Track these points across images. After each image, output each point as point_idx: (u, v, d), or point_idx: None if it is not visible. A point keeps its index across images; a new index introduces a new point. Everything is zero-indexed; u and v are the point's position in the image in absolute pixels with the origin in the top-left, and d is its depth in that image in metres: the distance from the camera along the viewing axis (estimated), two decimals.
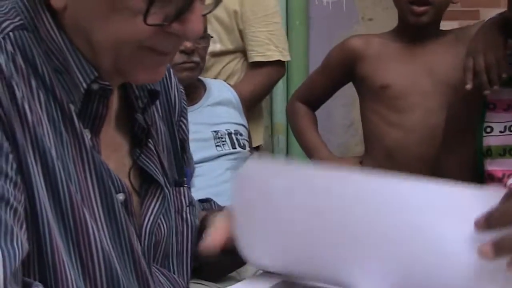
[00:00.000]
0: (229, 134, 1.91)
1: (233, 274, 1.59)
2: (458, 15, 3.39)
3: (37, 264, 0.67)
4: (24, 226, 0.64)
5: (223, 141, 1.87)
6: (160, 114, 0.89)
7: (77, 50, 0.71)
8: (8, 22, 0.70)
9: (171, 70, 0.95)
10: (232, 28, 2.15)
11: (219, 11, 2.11)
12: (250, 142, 2.03)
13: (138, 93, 0.81)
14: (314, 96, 1.81)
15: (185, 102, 0.96)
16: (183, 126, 0.95)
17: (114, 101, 0.80)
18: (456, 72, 1.48)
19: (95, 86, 0.72)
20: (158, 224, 0.81)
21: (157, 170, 0.83)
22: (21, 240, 0.61)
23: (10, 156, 0.64)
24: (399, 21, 1.64)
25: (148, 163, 0.82)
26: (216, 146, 1.85)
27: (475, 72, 1.24)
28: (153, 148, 0.84)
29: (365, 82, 1.66)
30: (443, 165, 1.38)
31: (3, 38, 0.68)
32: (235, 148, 1.89)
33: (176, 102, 0.93)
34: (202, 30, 0.72)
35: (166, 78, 0.92)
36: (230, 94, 2.01)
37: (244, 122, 2.02)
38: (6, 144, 0.63)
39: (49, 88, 0.70)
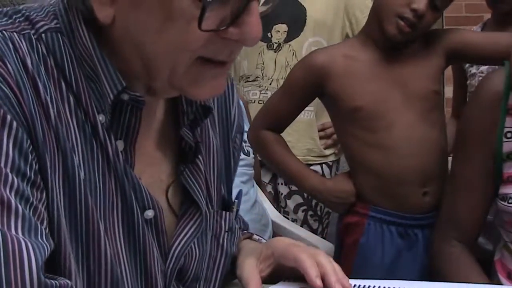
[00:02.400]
0: None
1: (237, 280, 1.58)
2: (462, 21, 3.39)
3: (47, 266, 0.63)
4: (45, 224, 0.62)
5: None
6: (217, 130, 0.85)
7: (107, 59, 0.68)
8: (42, 23, 0.68)
9: (234, 86, 0.91)
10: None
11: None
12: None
13: (186, 108, 0.77)
14: (280, 121, 1.61)
15: (243, 119, 0.92)
16: (238, 143, 0.91)
17: (159, 112, 0.77)
18: (426, 82, 1.46)
19: (125, 97, 0.69)
20: (191, 247, 0.78)
21: (199, 190, 0.79)
22: (45, 235, 0.60)
23: (30, 157, 0.62)
24: (370, 27, 1.49)
25: (192, 181, 0.78)
26: None
27: None
28: (201, 166, 0.79)
29: (335, 104, 1.51)
30: (460, 173, 1.33)
31: (36, 38, 0.67)
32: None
33: (235, 118, 0.89)
34: (261, 33, 0.66)
35: (228, 93, 0.88)
36: None
37: (248, 128, 2.02)
38: (26, 145, 0.61)
39: (76, 95, 0.68)
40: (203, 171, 0.80)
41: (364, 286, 0.87)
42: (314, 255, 0.83)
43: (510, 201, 1.21)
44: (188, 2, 0.61)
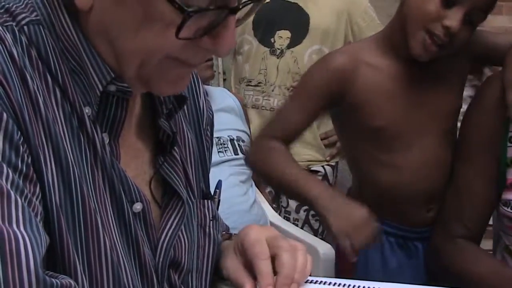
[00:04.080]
0: (231, 140, 1.91)
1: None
2: None
3: (49, 260, 0.63)
4: (39, 217, 0.61)
5: (225, 148, 1.87)
6: (188, 121, 0.85)
7: (94, 51, 0.67)
8: (23, 15, 0.67)
9: (198, 77, 0.90)
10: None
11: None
12: None
13: (163, 98, 0.77)
14: (294, 132, 1.37)
15: (211, 112, 0.92)
16: (209, 135, 0.91)
17: (137, 105, 0.77)
18: (450, 98, 1.39)
19: (112, 88, 0.68)
20: (179, 237, 0.77)
21: (179, 181, 0.79)
22: (41, 229, 0.59)
23: (21, 149, 0.61)
24: (393, 35, 1.33)
25: (171, 172, 0.78)
26: (218, 152, 1.84)
27: None
28: (177, 157, 0.80)
29: (350, 119, 1.36)
30: (463, 177, 1.32)
31: (19, 30, 0.66)
32: (237, 154, 1.89)
33: (204, 109, 0.89)
34: (234, 46, 0.67)
35: (195, 84, 0.88)
36: (232, 101, 2.01)
37: (246, 128, 2.02)
38: (17, 136, 0.60)
39: (62, 88, 0.67)
40: (180, 161, 0.80)
41: (355, 286, 0.87)
42: (277, 254, 0.79)
43: None
44: (169, 8, 0.61)
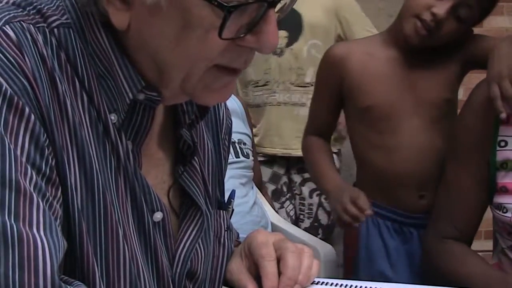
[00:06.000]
0: (233, 143, 1.91)
1: None
2: None
3: (68, 264, 0.63)
4: (59, 221, 0.60)
5: None
6: (208, 129, 0.85)
7: (125, 58, 0.66)
8: (54, 17, 0.66)
9: None
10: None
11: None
12: (254, 151, 2.03)
13: (186, 107, 0.76)
14: (322, 125, 1.63)
15: (230, 120, 0.91)
16: (227, 144, 0.90)
17: (159, 114, 0.75)
18: (440, 89, 1.46)
19: (140, 96, 0.67)
20: (196, 249, 0.77)
21: (198, 191, 0.78)
22: (60, 234, 0.59)
23: (46, 151, 0.61)
24: (394, 26, 1.49)
25: (190, 182, 0.77)
26: None
27: (503, 98, 1.18)
28: (197, 167, 0.79)
29: (348, 103, 1.53)
30: (454, 178, 1.33)
31: (49, 32, 0.65)
32: (238, 157, 1.89)
33: (223, 119, 0.88)
34: (278, 40, 0.65)
35: None
36: (234, 103, 2.01)
37: (248, 131, 2.02)
38: (43, 138, 0.60)
39: (88, 93, 0.66)
40: (199, 172, 0.79)
41: (353, 286, 0.88)
42: (282, 255, 0.80)
43: (504, 211, 1.22)
44: (207, 10, 0.60)
